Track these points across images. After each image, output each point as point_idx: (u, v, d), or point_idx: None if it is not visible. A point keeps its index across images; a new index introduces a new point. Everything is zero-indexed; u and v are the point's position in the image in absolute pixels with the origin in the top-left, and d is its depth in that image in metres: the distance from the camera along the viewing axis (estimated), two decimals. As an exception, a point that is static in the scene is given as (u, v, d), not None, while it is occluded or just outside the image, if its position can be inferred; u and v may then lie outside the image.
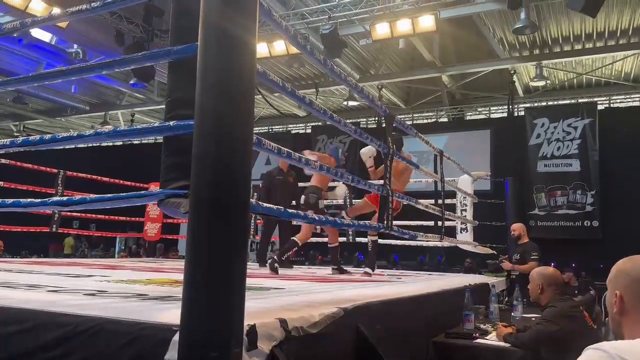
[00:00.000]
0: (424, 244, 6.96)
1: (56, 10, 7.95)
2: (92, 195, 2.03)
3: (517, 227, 5.99)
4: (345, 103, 13.28)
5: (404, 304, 2.77)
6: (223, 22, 1.41)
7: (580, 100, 12.33)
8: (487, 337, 3.24)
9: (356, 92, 3.17)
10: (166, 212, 1.95)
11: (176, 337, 1.39)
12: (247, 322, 1.42)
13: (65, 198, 2.09)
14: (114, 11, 9.05)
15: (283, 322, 1.67)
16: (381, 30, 8.28)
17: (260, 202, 2.03)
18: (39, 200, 2.15)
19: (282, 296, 2.67)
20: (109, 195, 1.99)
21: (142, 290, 2.62)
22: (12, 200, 2.20)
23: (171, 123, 1.88)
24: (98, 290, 2.43)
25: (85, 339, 1.51)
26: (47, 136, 2.16)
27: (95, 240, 14.84)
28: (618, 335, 1.25)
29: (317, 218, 2.60)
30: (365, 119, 14.64)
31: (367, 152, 4.93)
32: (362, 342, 2.12)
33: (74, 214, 7.16)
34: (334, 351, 1.99)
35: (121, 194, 1.96)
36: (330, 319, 1.94)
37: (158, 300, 2.15)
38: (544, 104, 13.02)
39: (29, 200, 2.18)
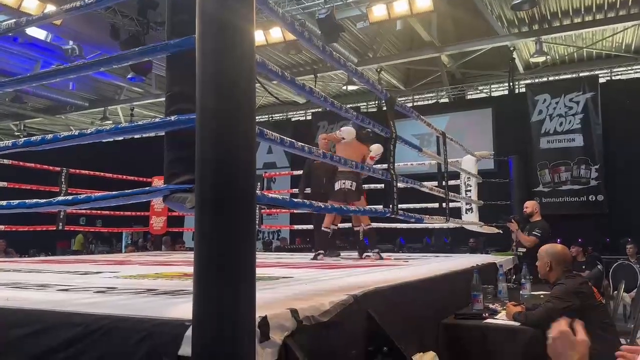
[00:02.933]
0: (429, 226, 6.96)
1: (50, 8, 7.90)
2: (97, 193, 2.03)
3: (530, 205, 5.95)
4: (344, 88, 13.21)
5: (413, 287, 2.78)
6: (220, 11, 1.39)
7: (581, 75, 12.23)
8: (497, 317, 3.25)
9: (355, 76, 3.14)
10: (172, 208, 1.95)
11: (189, 332, 1.39)
12: (259, 313, 1.42)
13: (70, 197, 2.08)
14: (108, 6, 8.97)
15: (294, 312, 1.67)
16: (378, 12, 8.20)
17: (264, 192, 2.02)
18: (44, 200, 2.14)
19: (291, 285, 2.68)
20: (113, 192, 1.99)
21: (151, 285, 2.63)
22: (17, 201, 2.19)
23: (172, 118, 1.87)
24: (108, 287, 2.44)
25: (97, 338, 1.51)
26: (49, 136, 2.15)
27: (106, 236, 14.92)
28: None
29: (322, 206, 2.59)
30: (365, 103, 14.57)
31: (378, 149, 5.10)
32: (373, 328, 2.12)
33: (80, 211, 7.19)
34: (346, 338, 2.00)
35: (126, 191, 1.95)
36: (340, 307, 1.95)
37: (168, 294, 2.15)
38: (544, 79, 12.92)
39: (34, 200, 2.17)
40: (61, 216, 6.41)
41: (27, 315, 1.68)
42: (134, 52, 2.09)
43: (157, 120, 1.92)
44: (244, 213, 1.33)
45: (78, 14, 2.63)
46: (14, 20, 2.80)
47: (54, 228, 6.52)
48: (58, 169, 6.38)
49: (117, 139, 16.04)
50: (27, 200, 2.18)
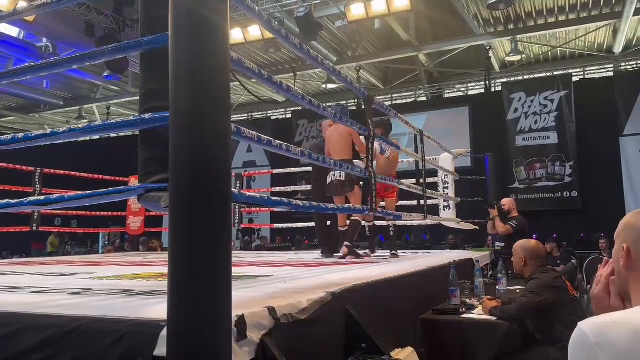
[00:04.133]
0: (408, 223, 7.01)
1: (22, 4, 7.73)
2: (71, 193, 1.99)
3: (507, 202, 6.05)
4: (324, 86, 13.22)
5: (391, 284, 2.79)
6: (194, 6, 1.37)
7: (555, 73, 12.46)
8: (474, 312, 3.29)
9: (334, 75, 3.15)
10: (147, 207, 1.93)
11: (164, 332, 1.38)
12: (236, 312, 1.41)
13: (43, 197, 2.04)
14: (83, 2, 8.82)
15: (272, 310, 1.66)
16: (356, 10, 8.23)
17: (242, 191, 2.01)
18: (16, 200, 2.10)
19: (269, 284, 2.68)
20: (87, 192, 1.96)
21: (127, 285, 2.59)
22: (-13, 202, 2.14)
23: (146, 116, 1.84)
24: (83, 289, 2.40)
25: (72, 340, 1.49)
26: (20, 135, 2.11)
27: (82, 236, 14.68)
28: (622, 290, 1.18)
29: (300, 204, 2.59)
30: (345, 102, 14.60)
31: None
32: (352, 325, 2.13)
33: (55, 211, 7.05)
34: (324, 335, 2.00)
35: (99, 190, 1.93)
36: (318, 304, 1.95)
37: (144, 295, 2.13)
38: (520, 78, 13.13)
39: (4, 201, 2.13)
40: (35, 217, 6.29)
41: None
42: (108, 49, 2.06)
43: (131, 118, 1.90)
44: (219, 211, 1.32)
45: (51, 11, 2.58)
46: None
47: (28, 229, 6.39)
48: (32, 168, 6.25)
49: (93, 137, 15.84)
50: (-2, 201, 2.14)
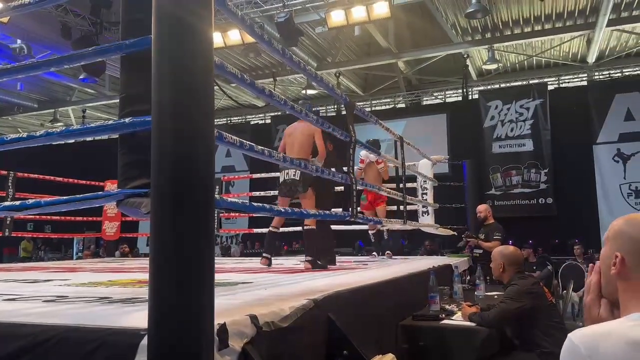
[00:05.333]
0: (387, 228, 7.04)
1: (-4, 4, 7.56)
2: (47, 198, 1.94)
3: (482, 209, 6.13)
4: (304, 92, 13.23)
5: (372, 290, 2.79)
6: (177, 11, 1.35)
7: (531, 82, 12.70)
8: (453, 318, 3.31)
9: (315, 81, 3.15)
10: (126, 213, 1.89)
11: (144, 342, 1.35)
12: (217, 320, 1.39)
13: (18, 202, 1.98)
14: (60, 4, 8.67)
15: (254, 318, 1.65)
16: (336, 17, 8.27)
17: (223, 196, 1.99)
18: (-12, 206, 2.04)
19: (250, 290, 2.65)
20: (64, 197, 1.91)
21: (105, 292, 2.54)
22: (-42, 207, 2.08)
23: (127, 120, 1.81)
24: (58, 296, 2.34)
25: (47, 350, 1.45)
26: (-6, 138, 2.05)
27: (55, 242, 14.37)
28: (610, 297, 1.17)
29: (283, 210, 2.57)
30: (324, 108, 14.64)
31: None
32: (334, 332, 2.12)
33: (28, 216, 6.88)
34: (306, 343, 1.99)
35: (77, 195, 1.88)
36: (300, 311, 1.94)
37: (122, 303, 2.08)
38: (496, 86, 13.35)
39: (-23, 206, 2.07)
40: (8, 222, 6.12)
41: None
42: (88, 52, 2.02)
43: (110, 122, 1.86)
44: (202, 217, 1.30)
45: (27, 12, 2.52)
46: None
47: (0, 234, 6.22)
48: (4, 172, 6.09)
49: (68, 141, 15.56)
50: (-31, 206, 2.07)
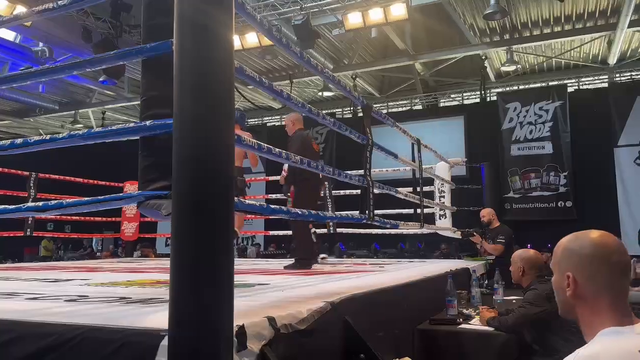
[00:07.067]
0: (404, 231, 7.01)
1: (20, 9, 7.71)
2: (69, 199, 1.98)
3: (485, 213, 6.10)
4: (320, 94, 13.25)
5: (389, 293, 2.79)
6: (199, 17, 1.37)
7: (550, 84, 12.54)
8: (471, 322, 3.29)
9: (333, 83, 3.15)
10: (146, 214, 1.92)
11: (164, 342, 1.37)
12: (236, 322, 1.40)
13: (41, 203, 2.02)
14: (81, 7, 8.81)
15: (272, 320, 1.66)
16: (353, 19, 8.26)
17: (240, 199, 1.99)
18: (13, 206, 2.08)
19: (267, 292, 2.66)
20: (86, 199, 1.95)
21: (124, 293, 2.57)
22: (-16, 207, 2.12)
23: (148, 123, 1.84)
24: (79, 296, 2.38)
25: (70, 349, 1.47)
26: (19, 140, 2.10)
27: (75, 241, 14.60)
28: (569, 318, 1.22)
29: (299, 212, 2.58)
30: (340, 110, 14.64)
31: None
32: (350, 335, 2.12)
33: (49, 216, 7.00)
34: (323, 346, 1.99)
35: (99, 197, 1.91)
36: (318, 314, 1.94)
37: (142, 303, 2.11)
38: (515, 88, 13.21)
39: (1, 206, 2.11)
40: (29, 222, 6.23)
41: (-4, 326, 1.62)
42: (110, 55, 2.05)
43: (131, 125, 1.89)
44: (222, 219, 1.32)
45: (49, 16, 2.56)
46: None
47: (22, 234, 6.34)
48: (27, 173, 6.20)
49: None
50: (-6, 207, 2.12)
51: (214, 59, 1.37)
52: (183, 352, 1.25)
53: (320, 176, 4.77)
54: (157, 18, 1.97)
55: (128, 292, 2.60)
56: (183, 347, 1.25)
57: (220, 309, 1.28)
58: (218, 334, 1.27)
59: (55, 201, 1.98)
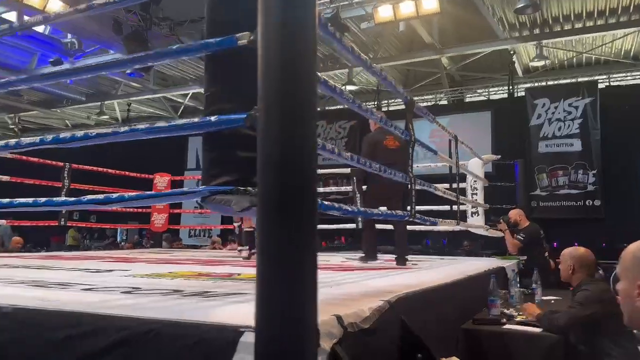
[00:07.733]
0: (430, 228, 6.94)
1: (53, 2, 7.80)
2: (131, 193, 1.99)
3: (512, 214, 6.05)
4: (344, 87, 13.18)
5: (438, 292, 2.76)
6: (284, 15, 1.35)
7: (580, 79, 12.30)
8: (515, 322, 3.25)
9: (381, 78, 3.14)
10: (212, 209, 1.92)
11: (243, 339, 1.37)
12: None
13: (102, 196, 2.04)
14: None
15: (339, 319, 1.65)
16: (384, 12, 8.19)
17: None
18: (74, 198, 2.11)
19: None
20: (148, 192, 1.96)
21: (174, 285, 2.59)
22: (44, 199, 2.14)
23: (212, 118, 1.83)
24: (132, 287, 2.40)
25: (146, 343, 1.48)
26: (80, 133, 2.10)
27: (100, 231, 14.84)
28: (635, 326, 1.17)
29: (350, 209, 2.57)
30: (364, 103, 14.53)
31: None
32: (407, 334, 2.11)
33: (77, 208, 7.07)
34: (384, 345, 1.98)
35: (162, 191, 1.92)
36: (378, 313, 1.93)
37: (198, 296, 2.11)
38: (544, 84, 12.98)
39: (62, 199, 2.13)
40: (64, 212, 6.32)
41: (68, 318, 1.64)
42: (172, 50, 2.05)
43: (196, 120, 1.88)
44: (307, 218, 1.30)
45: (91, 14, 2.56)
46: (35, 17, 2.75)
47: (56, 223, 6.43)
48: (61, 164, 6.27)
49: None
50: (54, 199, 2.14)
51: (299, 58, 1.34)
52: (270, 350, 1.24)
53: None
54: (221, 13, 1.96)
55: (177, 285, 2.61)
56: (270, 345, 1.24)
57: (307, 306, 1.27)
58: (304, 331, 1.27)
59: (117, 194, 1.98)
